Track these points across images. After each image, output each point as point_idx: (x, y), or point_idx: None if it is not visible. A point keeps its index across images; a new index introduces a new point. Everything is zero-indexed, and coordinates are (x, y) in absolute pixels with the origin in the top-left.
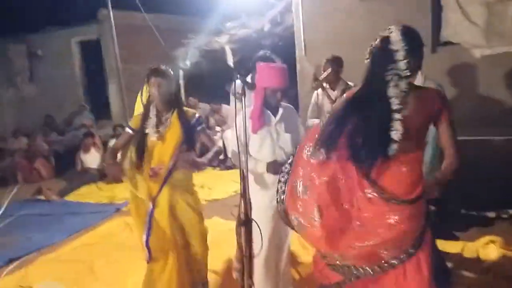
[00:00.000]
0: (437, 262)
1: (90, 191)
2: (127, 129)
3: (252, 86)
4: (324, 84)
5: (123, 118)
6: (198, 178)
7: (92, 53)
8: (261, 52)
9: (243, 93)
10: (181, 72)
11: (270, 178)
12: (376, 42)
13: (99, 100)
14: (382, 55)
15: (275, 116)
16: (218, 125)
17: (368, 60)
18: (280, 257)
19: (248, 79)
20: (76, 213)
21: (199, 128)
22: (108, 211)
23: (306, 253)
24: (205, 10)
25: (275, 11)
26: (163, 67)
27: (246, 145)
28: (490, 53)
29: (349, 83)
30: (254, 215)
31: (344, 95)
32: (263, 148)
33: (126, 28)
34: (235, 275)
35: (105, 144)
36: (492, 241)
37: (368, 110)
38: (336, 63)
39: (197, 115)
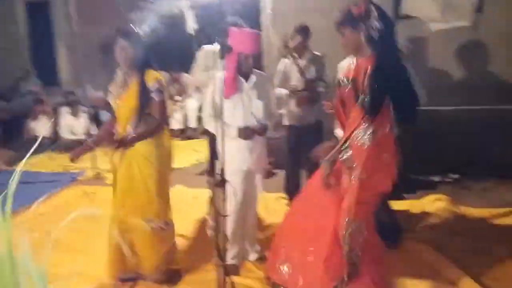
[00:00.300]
0: (389, 219)
1: (41, 160)
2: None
3: (230, 50)
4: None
5: (74, 84)
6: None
7: (40, 14)
8: (230, 18)
9: (222, 57)
10: None
11: (241, 143)
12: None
13: (48, 65)
14: None
15: (247, 82)
16: (178, 95)
17: None
18: (248, 216)
19: (216, 46)
20: (29, 183)
21: (153, 94)
22: (63, 180)
23: (269, 216)
24: None
25: None
26: (129, 28)
27: (221, 109)
28: (445, 27)
29: (316, 52)
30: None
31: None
32: (235, 113)
33: None
34: (209, 232)
35: (55, 111)
36: (438, 199)
37: None
38: (304, 32)
39: (158, 79)
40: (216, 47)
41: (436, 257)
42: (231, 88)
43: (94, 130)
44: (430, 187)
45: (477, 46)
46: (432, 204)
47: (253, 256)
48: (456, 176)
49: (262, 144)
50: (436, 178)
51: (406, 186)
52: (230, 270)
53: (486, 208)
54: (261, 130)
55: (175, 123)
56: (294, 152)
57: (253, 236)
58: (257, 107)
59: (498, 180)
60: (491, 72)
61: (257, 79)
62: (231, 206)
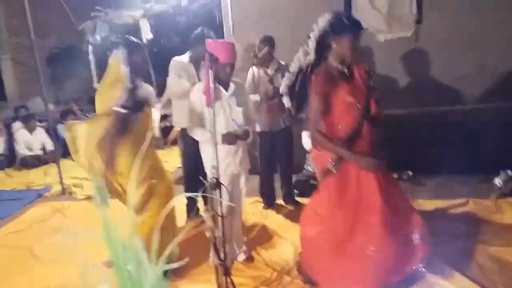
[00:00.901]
0: None
1: None
2: None
3: (215, 60)
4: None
5: (19, 98)
6: None
7: None
8: (199, 30)
9: (210, 67)
10: (90, 47)
11: (225, 148)
12: None
13: None
14: None
15: (226, 90)
16: None
17: None
18: (235, 218)
19: (186, 56)
20: None
21: None
22: (29, 197)
23: (250, 219)
24: None
25: None
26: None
27: (214, 115)
28: (391, 37)
29: (281, 61)
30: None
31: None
32: (217, 120)
33: None
34: (208, 233)
35: (8, 127)
36: None
37: None
38: (270, 42)
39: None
40: (185, 57)
41: None
42: (211, 96)
43: (51, 145)
44: None
45: (418, 54)
46: None
47: (241, 257)
48: (410, 173)
49: (244, 148)
50: (394, 175)
51: None
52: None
53: (440, 200)
54: (243, 135)
55: None
56: (266, 157)
57: (240, 237)
58: (237, 113)
59: (450, 175)
60: (432, 76)
61: (235, 87)
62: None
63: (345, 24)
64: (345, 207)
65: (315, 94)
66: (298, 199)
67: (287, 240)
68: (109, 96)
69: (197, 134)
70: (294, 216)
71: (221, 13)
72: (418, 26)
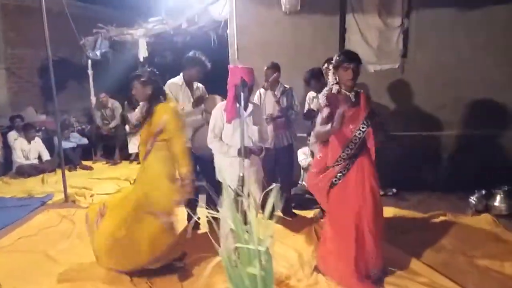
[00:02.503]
0: None
1: None
2: None
3: (246, 84)
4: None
5: (9, 106)
6: (121, 171)
7: None
8: (191, 53)
9: (241, 90)
10: (89, 62)
11: (238, 161)
12: None
13: None
14: None
15: (245, 110)
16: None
17: None
18: None
19: (180, 78)
20: None
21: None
22: (33, 204)
23: None
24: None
25: (193, 11)
26: (144, 73)
27: (243, 131)
28: (380, 68)
29: (286, 85)
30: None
31: None
32: (235, 136)
33: (16, 9)
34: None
35: (3, 136)
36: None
37: None
38: (277, 68)
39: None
40: (179, 79)
41: (394, 250)
42: (232, 114)
43: (47, 155)
44: None
45: (403, 84)
46: None
47: None
48: (395, 190)
49: (257, 161)
50: (380, 192)
51: None
52: None
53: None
54: (257, 151)
55: (133, 147)
56: (270, 172)
57: None
58: (253, 131)
59: (430, 193)
60: (415, 105)
61: (253, 108)
62: None
63: (344, 57)
64: (347, 216)
65: (324, 106)
66: (295, 211)
67: (289, 246)
68: None
69: (215, 147)
70: (292, 225)
71: (217, 36)
72: (403, 60)
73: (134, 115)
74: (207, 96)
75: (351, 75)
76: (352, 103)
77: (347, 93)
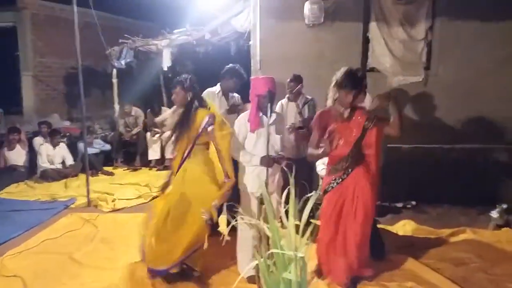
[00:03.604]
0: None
1: (20, 189)
2: None
3: (273, 95)
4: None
5: (35, 113)
6: (141, 177)
7: (5, 41)
8: (230, 65)
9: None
10: (114, 71)
11: (259, 169)
12: None
13: (7, 93)
14: None
15: (268, 120)
16: (155, 127)
17: None
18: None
19: (218, 87)
20: (21, 211)
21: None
22: (57, 208)
23: None
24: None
25: (216, 22)
26: (186, 79)
27: (268, 142)
28: (404, 81)
29: (307, 96)
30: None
31: None
32: (257, 145)
33: (46, 19)
34: (254, 244)
35: (29, 141)
36: (407, 223)
37: None
38: (300, 79)
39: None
40: (217, 88)
41: (415, 264)
42: (255, 124)
43: (71, 160)
44: (395, 212)
45: (426, 97)
46: (402, 227)
47: None
48: (414, 203)
49: (279, 170)
50: (399, 204)
51: (379, 211)
52: (251, 280)
53: (442, 229)
54: (279, 159)
55: (153, 154)
56: (287, 181)
57: None
58: (276, 140)
59: (450, 206)
60: (436, 117)
61: (276, 117)
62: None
63: (348, 82)
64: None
65: (314, 125)
66: (312, 220)
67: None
68: None
69: (239, 156)
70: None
71: (237, 46)
72: (426, 72)
73: (163, 117)
74: (241, 105)
75: (350, 99)
76: (345, 119)
77: (342, 109)
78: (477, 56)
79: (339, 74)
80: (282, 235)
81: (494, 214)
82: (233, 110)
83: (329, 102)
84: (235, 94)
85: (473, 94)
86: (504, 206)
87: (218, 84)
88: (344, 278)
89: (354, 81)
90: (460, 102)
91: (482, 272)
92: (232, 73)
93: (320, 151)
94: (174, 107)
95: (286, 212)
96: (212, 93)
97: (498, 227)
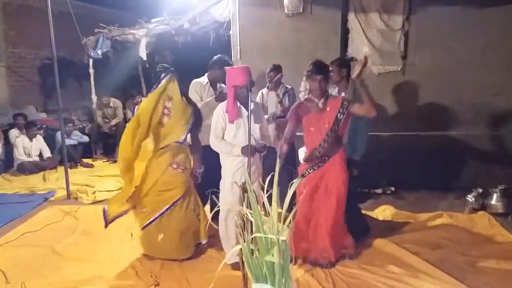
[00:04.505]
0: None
1: None
2: None
3: (253, 85)
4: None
5: (9, 105)
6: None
7: None
8: (218, 55)
9: (245, 92)
10: (90, 61)
11: (240, 159)
12: None
13: None
14: None
15: (246, 109)
16: None
17: None
18: None
19: (205, 78)
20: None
21: None
22: (36, 201)
23: None
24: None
25: (195, 11)
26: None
27: (249, 130)
28: (384, 70)
29: (287, 85)
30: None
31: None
32: (238, 135)
33: (18, 8)
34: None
35: (4, 133)
36: (386, 209)
37: None
38: (280, 70)
39: None
40: (204, 79)
41: (395, 248)
42: (234, 114)
43: (47, 152)
44: (375, 198)
45: (405, 87)
46: (382, 212)
47: None
48: (393, 188)
49: (258, 160)
50: (379, 191)
51: (359, 197)
52: (235, 267)
53: (420, 213)
54: (260, 149)
55: None
56: (270, 170)
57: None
58: (255, 129)
59: (428, 191)
60: (413, 105)
61: (254, 106)
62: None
63: (313, 68)
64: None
65: (289, 117)
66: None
67: None
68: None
69: (218, 147)
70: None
71: (217, 36)
72: (404, 62)
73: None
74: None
75: (317, 86)
76: (319, 110)
77: (316, 100)
78: (454, 45)
79: (308, 67)
80: (265, 220)
81: (470, 198)
82: (223, 97)
83: (302, 94)
84: (223, 85)
85: (450, 83)
86: (480, 190)
87: (206, 75)
88: (319, 257)
89: (319, 68)
90: (437, 91)
91: (459, 254)
92: (221, 63)
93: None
94: None
95: (269, 198)
96: (200, 84)
97: (474, 210)
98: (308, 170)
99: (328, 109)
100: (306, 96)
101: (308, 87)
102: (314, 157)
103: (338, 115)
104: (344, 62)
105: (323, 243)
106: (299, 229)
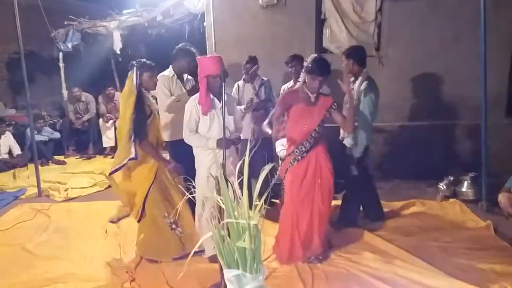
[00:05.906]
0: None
1: None
2: None
3: (227, 75)
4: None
5: None
6: (96, 165)
7: None
8: (181, 45)
9: (219, 83)
10: (60, 55)
11: (215, 152)
12: None
13: None
14: None
15: (219, 101)
16: (108, 113)
17: None
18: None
19: (170, 70)
20: None
21: None
22: (5, 199)
23: None
24: None
25: (168, 3)
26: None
27: (224, 122)
28: None
29: (263, 77)
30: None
31: None
32: (212, 127)
33: None
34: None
35: None
36: None
37: None
38: (256, 61)
39: None
40: (169, 71)
41: (370, 236)
42: (207, 106)
43: (17, 150)
44: None
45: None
46: None
47: None
48: None
49: (234, 151)
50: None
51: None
52: (212, 260)
53: (394, 202)
54: (235, 140)
55: (108, 141)
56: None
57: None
58: (229, 121)
59: (401, 180)
60: (386, 96)
61: (227, 98)
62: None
63: (315, 68)
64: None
65: (278, 101)
66: (273, 200)
67: (268, 234)
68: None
69: (193, 141)
70: (270, 214)
71: (191, 28)
72: (377, 53)
73: None
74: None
75: (317, 86)
76: (311, 103)
77: (309, 93)
78: (425, 37)
79: (309, 59)
80: (236, 206)
81: (442, 186)
82: (194, 91)
83: (299, 84)
84: (189, 77)
85: (422, 74)
86: (451, 178)
87: (170, 67)
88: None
89: (322, 68)
90: (410, 82)
91: (432, 241)
92: (184, 52)
93: (271, 131)
94: None
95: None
96: (166, 77)
97: (446, 198)
98: (292, 162)
99: (318, 104)
100: (296, 86)
101: (306, 80)
102: (301, 150)
103: (325, 113)
104: (351, 52)
105: (315, 242)
106: (288, 234)
